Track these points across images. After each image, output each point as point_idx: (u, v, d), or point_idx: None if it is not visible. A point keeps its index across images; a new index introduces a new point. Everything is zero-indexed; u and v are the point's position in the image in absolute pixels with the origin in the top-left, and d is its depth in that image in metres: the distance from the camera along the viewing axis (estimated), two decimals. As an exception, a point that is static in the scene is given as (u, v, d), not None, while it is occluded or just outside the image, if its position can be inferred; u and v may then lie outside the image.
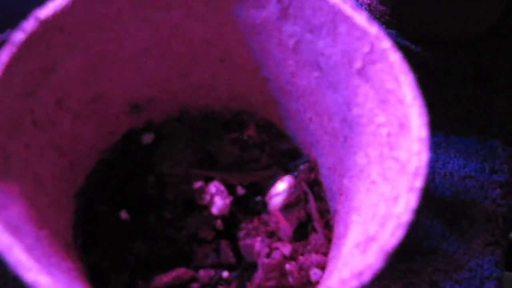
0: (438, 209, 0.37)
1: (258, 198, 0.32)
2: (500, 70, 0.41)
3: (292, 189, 0.31)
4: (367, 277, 0.22)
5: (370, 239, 0.24)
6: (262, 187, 0.32)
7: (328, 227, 0.31)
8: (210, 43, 0.30)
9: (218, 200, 0.30)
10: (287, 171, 0.32)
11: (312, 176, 0.32)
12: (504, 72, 0.41)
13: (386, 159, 0.26)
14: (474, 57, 0.42)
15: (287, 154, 0.33)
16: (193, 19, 0.29)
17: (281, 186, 0.31)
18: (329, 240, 0.31)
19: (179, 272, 0.29)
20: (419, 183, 0.23)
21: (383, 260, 0.22)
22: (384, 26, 0.42)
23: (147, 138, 0.33)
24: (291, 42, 0.29)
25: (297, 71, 0.30)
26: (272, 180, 0.32)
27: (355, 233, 0.27)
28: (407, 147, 0.24)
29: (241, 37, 0.30)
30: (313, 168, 0.32)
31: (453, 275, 0.35)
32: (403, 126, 0.25)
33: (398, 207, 0.23)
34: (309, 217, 0.31)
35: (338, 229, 0.30)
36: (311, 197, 0.31)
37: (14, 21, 0.43)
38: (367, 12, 0.42)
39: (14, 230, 0.23)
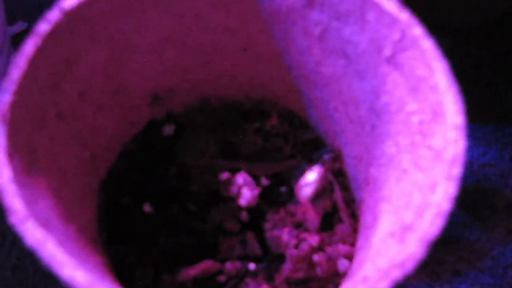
0: (459, 197, 0.37)
1: (283, 188, 0.31)
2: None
3: (322, 179, 0.30)
4: (410, 267, 0.21)
5: (407, 228, 0.24)
6: (286, 178, 0.32)
7: (354, 217, 0.31)
8: (233, 32, 0.30)
9: (246, 192, 0.30)
10: (311, 161, 0.32)
11: (337, 166, 0.31)
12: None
13: (418, 147, 0.26)
14: (489, 44, 0.41)
15: (310, 144, 0.32)
16: (216, 8, 0.29)
17: (311, 176, 0.30)
18: (355, 230, 0.30)
19: (206, 265, 0.29)
20: (457, 170, 0.23)
21: (425, 249, 0.22)
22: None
23: (168, 129, 0.32)
24: (317, 30, 0.29)
25: (322, 60, 0.29)
26: (296, 170, 0.32)
27: (386, 222, 0.27)
28: (442, 134, 0.24)
29: (264, 26, 0.29)
30: (337, 157, 0.32)
31: (476, 263, 0.35)
32: (436, 113, 0.25)
33: (437, 195, 0.23)
34: (334, 207, 0.31)
35: (364, 218, 0.30)
36: (336, 187, 0.31)
37: (24, 13, 0.43)
38: None
39: (45, 225, 0.23)
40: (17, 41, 0.38)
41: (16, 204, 0.22)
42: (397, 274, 0.21)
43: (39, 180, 0.25)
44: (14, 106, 0.24)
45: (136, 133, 0.32)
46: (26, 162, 0.24)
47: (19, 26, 0.42)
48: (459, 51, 0.40)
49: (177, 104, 0.32)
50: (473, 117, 0.39)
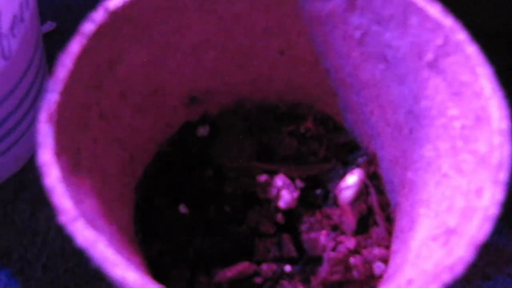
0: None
1: (318, 191, 0.32)
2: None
3: (362, 183, 0.30)
4: (459, 270, 0.22)
5: (451, 232, 0.24)
6: (321, 180, 0.32)
7: (389, 220, 0.31)
8: (271, 34, 0.30)
9: (285, 194, 0.30)
10: (345, 164, 0.32)
11: (372, 169, 0.32)
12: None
13: (460, 152, 0.26)
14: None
15: (345, 147, 0.33)
16: (255, 10, 0.29)
17: (351, 180, 0.31)
18: (390, 234, 0.31)
19: (243, 266, 0.29)
20: (503, 175, 0.23)
21: (474, 253, 0.22)
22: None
23: (203, 130, 0.33)
24: (357, 34, 0.29)
25: (361, 64, 0.30)
26: (331, 173, 0.32)
27: (425, 226, 0.27)
28: (486, 140, 0.24)
29: (303, 29, 0.30)
30: (372, 161, 0.32)
31: (505, 268, 0.35)
32: (480, 118, 0.25)
33: (484, 200, 0.23)
34: (369, 211, 0.31)
35: (400, 222, 0.30)
36: (372, 190, 0.31)
37: (52, 13, 0.43)
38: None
39: (92, 224, 0.23)
40: (46, 40, 0.38)
41: (66, 204, 0.22)
42: (447, 278, 0.21)
43: (83, 181, 0.25)
44: (61, 105, 0.24)
45: (171, 134, 0.32)
46: (72, 162, 0.24)
47: (48, 26, 0.42)
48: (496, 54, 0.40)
49: (212, 106, 0.33)
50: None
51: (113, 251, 0.21)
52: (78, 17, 0.42)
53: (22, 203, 0.37)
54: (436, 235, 0.25)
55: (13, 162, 0.37)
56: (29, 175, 0.38)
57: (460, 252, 0.22)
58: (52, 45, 0.38)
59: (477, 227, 0.22)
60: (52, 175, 0.22)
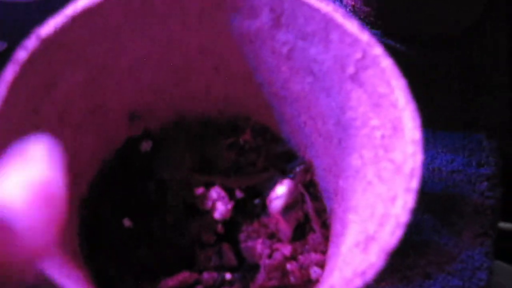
0: (428, 203, 0.38)
1: (257, 201, 0.33)
2: (484, 66, 0.42)
3: (291, 192, 0.32)
4: (370, 276, 0.23)
5: (370, 238, 0.25)
6: (260, 190, 0.33)
7: (325, 226, 0.32)
8: (205, 52, 0.31)
9: (220, 206, 0.31)
10: (283, 173, 0.33)
11: (308, 177, 0.33)
12: (488, 67, 0.42)
13: (381, 160, 0.27)
14: (458, 54, 0.43)
15: (282, 157, 0.34)
16: (188, 30, 0.30)
17: (281, 190, 0.32)
18: (326, 239, 0.32)
19: (184, 276, 0.30)
20: (415, 184, 0.24)
21: (384, 259, 0.23)
22: (368, 26, 0.43)
23: (146, 145, 0.34)
24: (284, 49, 0.30)
25: (291, 77, 0.31)
26: (270, 182, 0.33)
27: (353, 232, 0.28)
28: (401, 149, 0.25)
29: (235, 46, 0.31)
30: (308, 169, 0.33)
31: (446, 267, 0.36)
32: (396, 128, 0.26)
33: (396, 207, 0.24)
34: (306, 218, 0.32)
35: (335, 227, 0.31)
36: (307, 198, 0.32)
37: (4, 33, 0.44)
38: (351, 13, 0.43)
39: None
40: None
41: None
42: (358, 283, 0.23)
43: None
44: (-4, 132, 0.25)
45: (115, 150, 0.33)
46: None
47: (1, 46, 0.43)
48: (428, 61, 0.42)
49: (154, 121, 0.34)
50: (441, 125, 0.41)
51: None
52: (27, 36, 0.43)
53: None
54: (359, 241, 0.26)
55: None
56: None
57: (372, 258, 0.23)
58: (2, 65, 0.39)
59: (389, 234, 0.24)
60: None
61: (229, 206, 0.31)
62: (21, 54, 0.26)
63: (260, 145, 0.34)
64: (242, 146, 0.34)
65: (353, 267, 0.25)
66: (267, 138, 0.34)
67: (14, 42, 0.43)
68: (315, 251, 0.31)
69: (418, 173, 0.25)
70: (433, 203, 0.38)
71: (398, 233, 0.24)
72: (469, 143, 0.40)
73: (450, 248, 0.37)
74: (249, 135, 0.34)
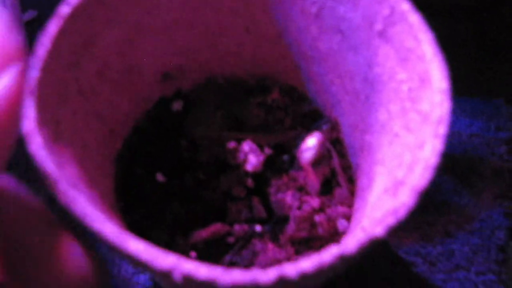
0: (448, 165, 0.39)
1: (285, 157, 0.34)
2: (503, 35, 0.43)
3: (321, 144, 0.33)
4: (402, 213, 0.24)
5: (399, 183, 0.26)
6: (288, 147, 0.34)
7: (351, 181, 0.33)
8: (237, 13, 0.32)
9: (252, 158, 0.33)
10: (310, 132, 0.34)
11: (334, 135, 0.34)
12: (507, 36, 0.43)
13: (408, 112, 0.28)
14: (476, 24, 0.44)
15: (309, 116, 0.35)
16: (221, -10, 0.31)
17: (311, 142, 0.33)
18: (352, 193, 0.33)
19: (216, 227, 0.32)
20: (443, 129, 0.25)
21: (416, 199, 0.24)
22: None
23: (177, 105, 0.35)
24: (314, 9, 0.31)
25: (319, 36, 0.32)
26: (297, 140, 0.34)
27: (380, 182, 0.29)
28: (429, 99, 0.27)
29: (265, 6, 0.32)
30: (334, 127, 0.34)
31: (466, 226, 0.38)
32: (424, 80, 0.27)
33: (425, 152, 0.25)
34: (332, 173, 0.33)
35: (361, 182, 0.32)
36: (334, 154, 0.33)
37: (33, 2, 0.45)
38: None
39: (73, 186, 0.25)
40: (27, 28, 0.40)
41: (48, 167, 0.24)
42: (391, 220, 0.24)
43: (64, 150, 0.27)
44: (41, 81, 0.26)
45: (148, 109, 0.34)
46: (53, 133, 0.26)
47: (29, 14, 0.44)
48: (447, 29, 0.43)
49: (185, 82, 0.35)
50: (460, 91, 0.42)
51: (93, 207, 0.24)
52: (56, 5, 0.45)
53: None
54: (388, 188, 0.27)
55: None
56: (15, 154, 0.40)
57: (403, 198, 0.24)
58: (34, 33, 0.40)
59: (418, 175, 0.25)
60: (35, 143, 0.25)
61: (261, 158, 0.33)
62: (64, 9, 0.27)
63: (288, 104, 0.35)
64: (270, 105, 0.35)
65: (383, 210, 0.26)
66: (294, 98, 0.35)
67: (43, 11, 0.45)
68: (342, 204, 0.32)
69: (446, 119, 0.26)
70: (453, 166, 0.39)
71: (428, 175, 0.25)
72: (487, 108, 0.41)
73: (470, 208, 0.38)
74: (277, 94, 0.35)
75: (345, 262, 0.24)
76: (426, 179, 0.25)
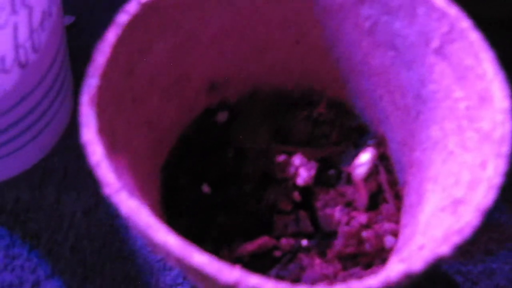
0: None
1: (331, 171, 0.34)
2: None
3: (374, 160, 0.33)
4: (467, 232, 0.24)
5: (459, 202, 0.26)
6: (333, 162, 0.34)
7: (398, 197, 0.33)
8: (287, 24, 0.32)
9: (303, 171, 0.32)
10: (356, 147, 0.34)
11: (381, 150, 0.34)
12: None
13: (465, 131, 0.28)
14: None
15: (356, 131, 0.35)
16: (273, 2, 0.31)
17: (365, 157, 0.33)
18: (398, 210, 0.33)
19: (263, 241, 0.31)
20: (506, 148, 0.25)
21: (480, 218, 0.24)
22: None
23: (222, 116, 0.35)
24: (367, 24, 0.31)
25: (371, 52, 0.32)
26: (343, 155, 0.34)
27: (433, 199, 0.29)
28: (489, 117, 0.26)
29: (317, 19, 0.32)
30: (381, 143, 0.34)
31: (507, 244, 0.37)
32: (483, 99, 0.27)
33: (488, 171, 0.25)
34: (379, 189, 0.33)
35: (409, 198, 0.32)
36: (381, 170, 0.33)
37: (71, 7, 0.45)
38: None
39: (133, 196, 0.25)
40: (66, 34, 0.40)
41: (110, 177, 0.24)
42: (456, 239, 0.23)
43: (120, 159, 0.27)
44: (100, 89, 0.26)
45: (193, 119, 0.34)
46: (110, 142, 0.26)
47: (67, 20, 0.44)
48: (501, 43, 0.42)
49: (231, 92, 0.35)
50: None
51: (155, 218, 0.24)
52: (94, 10, 0.44)
53: (47, 188, 0.39)
54: (444, 206, 0.27)
55: (38, 149, 0.39)
56: (54, 161, 0.39)
57: (467, 218, 0.24)
58: (72, 38, 0.40)
59: (482, 195, 0.25)
60: (97, 152, 0.24)
61: (312, 172, 0.32)
62: (123, 17, 0.27)
63: (334, 118, 0.35)
64: (316, 119, 0.35)
65: (443, 228, 0.26)
66: (341, 112, 0.35)
67: (80, 16, 0.45)
68: (389, 220, 0.32)
69: (508, 139, 0.25)
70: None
71: (492, 195, 0.25)
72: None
73: (511, 225, 0.38)
74: (323, 108, 0.35)
75: (409, 281, 0.24)
76: (489, 199, 0.25)
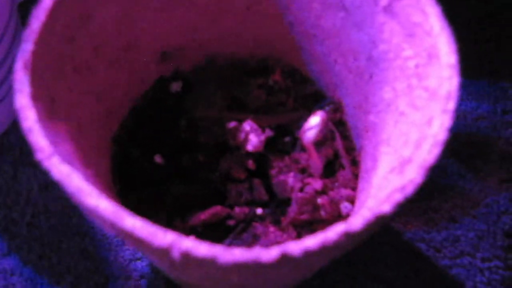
0: (453, 149, 0.38)
1: (287, 139, 0.33)
2: (504, 16, 0.42)
3: (324, 123, 0.32)
4: (409, 190, 0.23)
5: (406, 161, 0.25)
6: (290, 129, 0.33)
7: (355, 163, 0.32)
8: (237, -10, 0.32)
9: (253, 137, 0.32)
10: (312, 113, 0.34)
11: (337, 116, 0.33)
12: (508, 17, 0.42)
13: (415, 90, 0.27)
14: (477, 4, 0.43)
15: (312, 97, 0.34)
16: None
17: (314, 120, 0.32)
18: (355, 176, 0.32)
19: (216, 210, 0.31)
20: (451, 105, 0.25)
21: (423, 175, 0.23)
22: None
23: (176, 86, 0.34)
24: (317, -16, 0.30)
25: (322, 14, 0.31)
26: (299, 122, 0.33)
27: (386, 162, 0.28)
28: (437, 74, 0.26)
29: (267, -17, 0.31)
30: (337, 108, 0.33)
31: (471, 211, 0.37)
32: (431, 55, 0.26)
33: (433, 128, 0.24)
34: (335, 155, 0.32)
35: (365, 163, 0.31)
36: (337, 136, 0.33)
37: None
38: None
39: (68, 163, 0.24)
40: (22, 9, 0.39)
41: (42, 142, 0.23)
42: (398, 197, 0.23)
43: (59, 127, 0.26)
44: (35, 55, 0.25)
45: (146, 89, 0.34)
46: (47, 109, 0.25)
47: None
48: (450, 9, 0.42)
49: (184, 62, 0.34)
50: (466, 73, 0.41)
51: (87, 183, 0.23)
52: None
53: (4, 165, 0.38)
54: (394, 167, 0.26)
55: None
56: (10, 138, 0.39)
57: (411, 175, 0.23)
58: (25, 14, 0.39)
59: (426, 152, 0.24)
60: (30, 118, 0.24)
61: (262, 137, 0.32)
62: (59, -18, 0.27)
63: (290, 86, 0.34)
64: (271, 87, 0.34)
65: (390, 189, 0.25)
66: (296, 79, 0.34)
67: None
68: (345, 187, 0.31)
69: (454, 95, 0.25)
70: (458, 149, 0.38)
71: (436, 151, 0.24)
72: (494, 91, 0.40)
73: (475, 193, 0.37)
74: (278, 75, 0.34)
75: (351, 241, 0.23)
76: (434, 155, 0.24)
